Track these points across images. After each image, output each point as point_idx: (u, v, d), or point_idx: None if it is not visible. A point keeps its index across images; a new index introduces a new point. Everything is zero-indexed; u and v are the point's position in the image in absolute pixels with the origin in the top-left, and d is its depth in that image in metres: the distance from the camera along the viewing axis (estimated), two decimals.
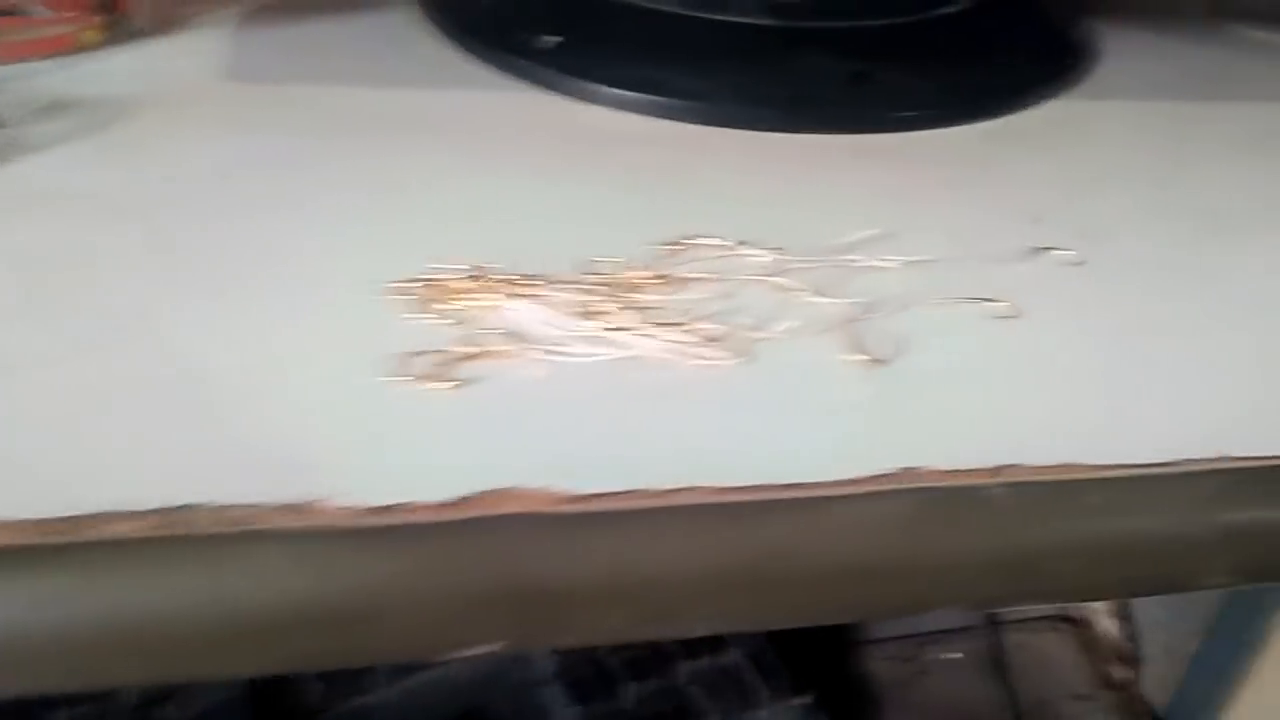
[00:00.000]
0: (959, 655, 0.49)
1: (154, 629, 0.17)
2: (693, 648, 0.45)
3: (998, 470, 0.21)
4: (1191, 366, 0.25)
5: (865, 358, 0.25)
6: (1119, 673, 0.50)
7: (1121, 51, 0.45)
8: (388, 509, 0.19)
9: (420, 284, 0.25)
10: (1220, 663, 0.46)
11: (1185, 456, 0.22)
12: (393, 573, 0.18)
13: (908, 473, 0.21)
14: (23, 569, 0.17)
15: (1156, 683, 0.50)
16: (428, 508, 0.19)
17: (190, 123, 0.33)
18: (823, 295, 0.27)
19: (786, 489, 0.20)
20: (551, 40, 0.38)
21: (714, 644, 0.46)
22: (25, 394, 0.21)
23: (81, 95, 0.34)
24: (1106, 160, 0.35)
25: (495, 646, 0.19)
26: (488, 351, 0.23)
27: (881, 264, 0.28)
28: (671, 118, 0.36)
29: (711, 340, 0.25)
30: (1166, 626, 0.49)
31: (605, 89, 0.37)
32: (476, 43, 0.40)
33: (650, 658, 0.45)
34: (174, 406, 0.21)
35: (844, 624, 0.50)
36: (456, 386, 0.22)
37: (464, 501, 0.19)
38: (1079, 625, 0.52)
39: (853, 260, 0.28)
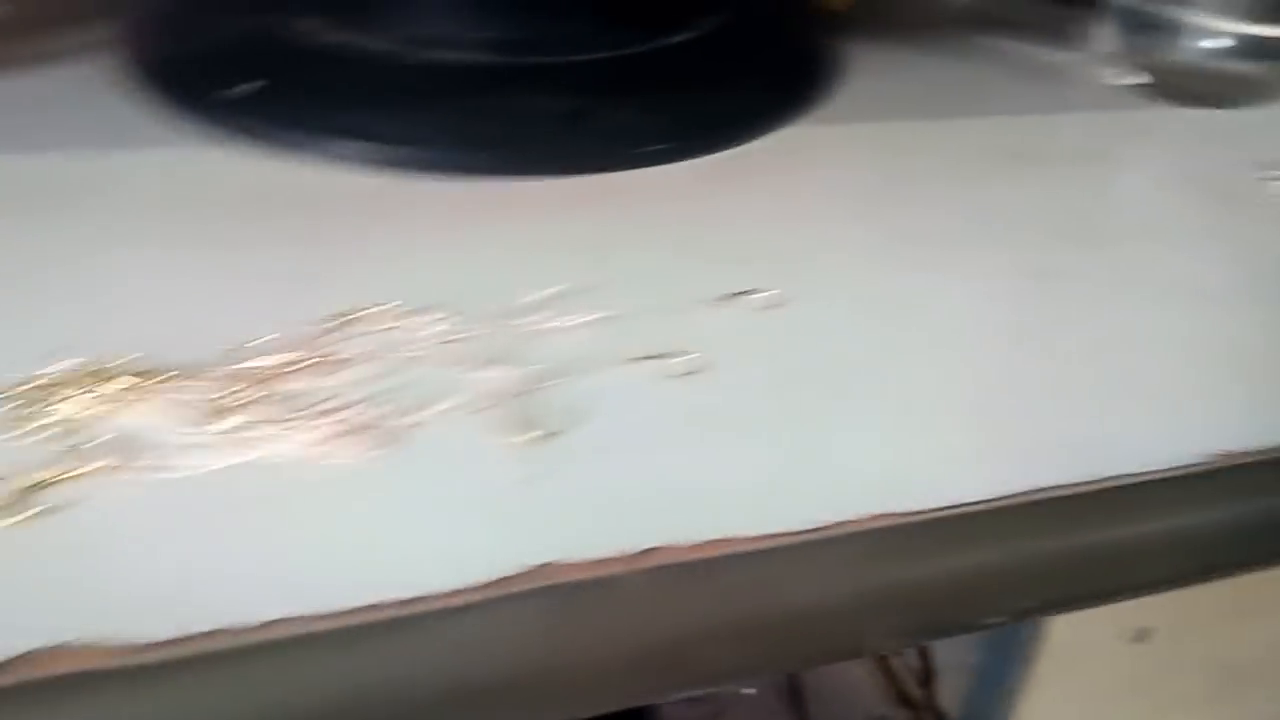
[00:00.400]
0: (753, 690, 0.49)
1: None
2: None
3: (639, 556, 0.20)
4: (863, 415, 0.25)
5: (527, 436, 0.23)
6: (915, 690, 0.50)
7: (867, 71, 0.45)
8: None
9: (26, 388, 0.23)
10: (1001, 671, 0.46)
11: (841, 518, 0.22)
12: None
13: (538, 570, 0.20)
14: None
15: (950, 696, 0.50)
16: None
17: None
18: (495, 365, 0.25)
19: (400, 606, 0.19)
20: (248, 88, 0.36)
21: None
22: None
23: None
24: (821, 191, 0.35)
25: None
26: (80, 471, 0.21)
27: (566, 324, 0.27)
28: (376, 166, 0.34)
29: (356, 430, 0.23)
30: (951, 642, 0.50)
31: (304, 138, 0.35)
32: (172, 94, 0.37)
33: None
34: None
35: None
36: (31, 519, 0.20)
37: (13, 663, 0.17)
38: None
39: (533, 322, 0.27)
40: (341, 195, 0.32)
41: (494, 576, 0.19)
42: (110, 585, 0.19)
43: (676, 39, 0.43)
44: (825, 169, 0.37)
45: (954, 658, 0.47)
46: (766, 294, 0.29)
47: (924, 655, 0.47)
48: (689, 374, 0.26)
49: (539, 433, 0.23)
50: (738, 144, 0.38)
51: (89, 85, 0.38)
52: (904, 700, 0.49)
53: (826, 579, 0.21)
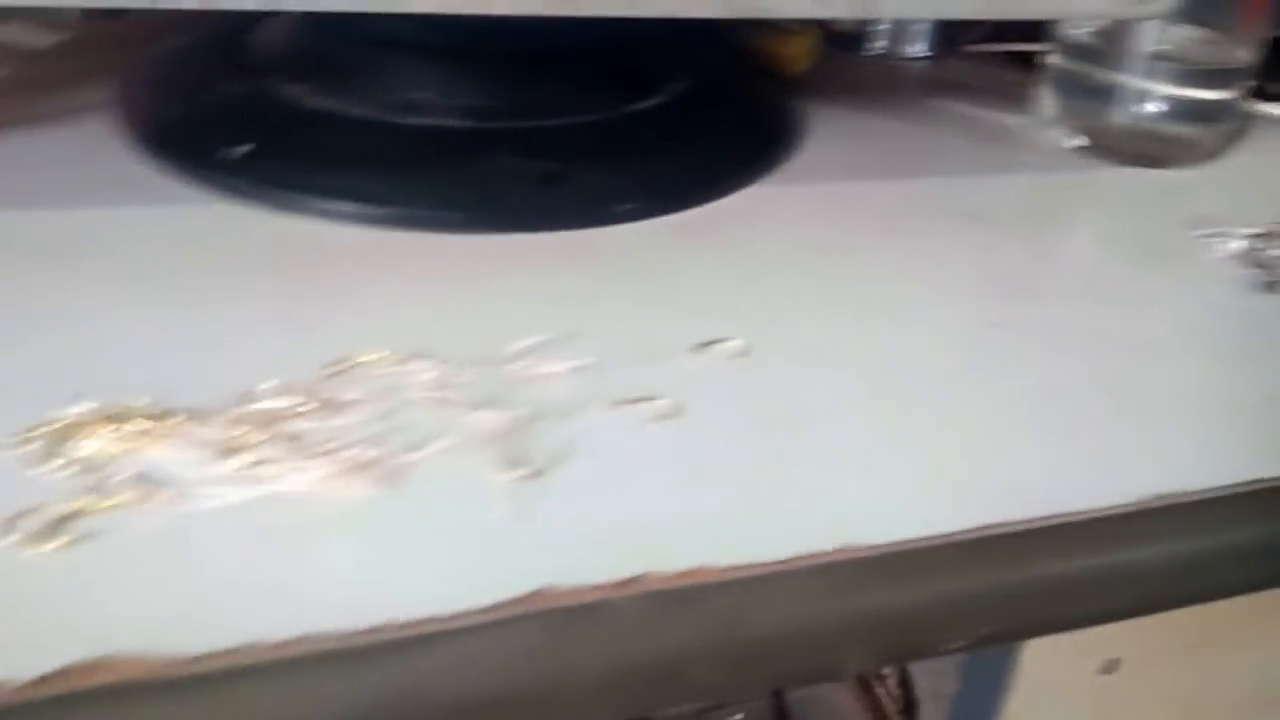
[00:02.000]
0: (750, 715, 0.50)
1: None
2: None
3: (627, 583, 0.22)
4: (827, 455, 0.27)
5: (517, 473, 0.25)
6: (896, 718, 0.52)
7: (826, 134, 0.48)
8: None
9: (51, 429, 0.24)
10: (978, 701, 0.48)
11: (807, 551, 0.24)
12: None
13: (537, 595, 0.21)
14: None
15: None
16: (10, 689, 0.18)
17: None
18: (485, 408, 0.27)
19: (408, 627, 0.20)
20: (240, 149, 0.38)
21: None
22: None
23: None
24: (781, 249, 0.38)
25: None
26: (108, 503, 0.22)
27: (548, 370, 0.29)
28: (361, 224, 0.36)
29: (359, 468, 0.24)
30: (931, 671, 0.52)
31: (294, 196, 0.37)
32: (168, 154, 0.39)
33: None
34: None
35: None
36: (64, 546, 0.21)
37: (56, 676, 0.18)
38: (859, 676, 0.53)
39: (519, 368, 0.29)
40: (332, 250, 0.34)
41: (493, 601, 0.21)
42: (140, 606, 0.20)
43: (644, 105, 0.45)
44: (787, 227, 0.39)
45: (936, 685, 0.49)
46: (734, 343, 0.31)
47: (905, 684, 0.49)
48: (665, 417, 0.28)
49: (528, 470, 0.25)
50: (703, 203, 0.41)
51: (89, 145, 0.40)
52: None
53: (796, 606, 0.23)
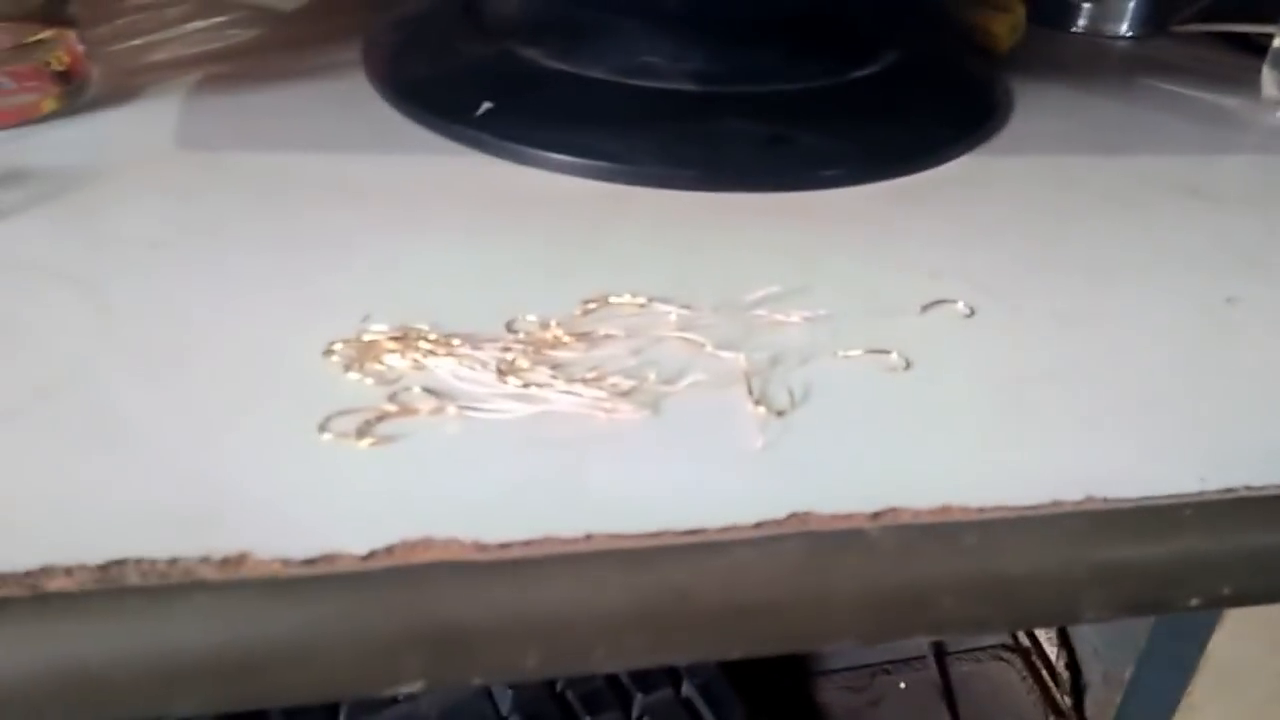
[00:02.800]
0: (910, 685, 0.51)
1: (92, 675, 0.19)
2: (647, 682, 0.47)
3: (878, 515, 0.23)
4: (1067, 413, 0.27)
5: (765, 409, 0.26)
6: (1064, 700, 0.52)
7: (1035, 108, 0.48)
8: (313, 561, 0.20)
9: (348, 344, 0.27)
10: (1156, 687, 0.48)
11: (1055, 499, 0.24)
12: (318, 619, 0.20)
13: (795, 518, 0.23)
14: None
15: (1098, 709, 0.52)
16: (351, 558, 0.21)
17: (139, 190, 0.34)
18: (728, 350, 0.29)
19: (684, 535, 0.22)
20: (484, 106, 0.41)
21: (668, 677, 0.47)
22: None
23: (38, 165, 0.35)
24: (1004, 214, 0.38)
25: (416, 685, 0.20)
26: (409, 409, 0.25)
27: (784, 319, 0.30)
28: (597, 178, 0.38)
29: (622, 395, 0.26)
30: (1103, 655, 0.51)
31: (535, 151, 0.39)
32: (416, 108, 0.42)
33: (606, 691, 0.46)
34: (111, 465, 0.23)
35: (797, 654, 0.52)
36: (378, 443, 0.24)
37: (385, 552, 0.21)
38: (1025, 654, 0.54)
39: (756, 316, 0.30)
40: (571, 201, 0.36)
41: (757, 519, 0.23)
42: (448, 498, 0.23)
43: (861, 73, 0.46)
44: (1006, 195, 0.40)
45: (1107, 669, 0.49)
46: (961, 304, 0.32)
47: (1075, 666, 0.49)
48: (899, 369, 0.29)
49: (777, 407, 0.27)
50: (920, 170, 0.41)
51: (346, 99, 0.43)
52: (1053, 708, 0.51)
53: (1042, 549, 0.24)
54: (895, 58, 0.48)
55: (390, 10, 0.51)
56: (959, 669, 0.53)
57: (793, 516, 0.23)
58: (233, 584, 0.20)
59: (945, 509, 0.24)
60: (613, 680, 0.47)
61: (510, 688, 0.46)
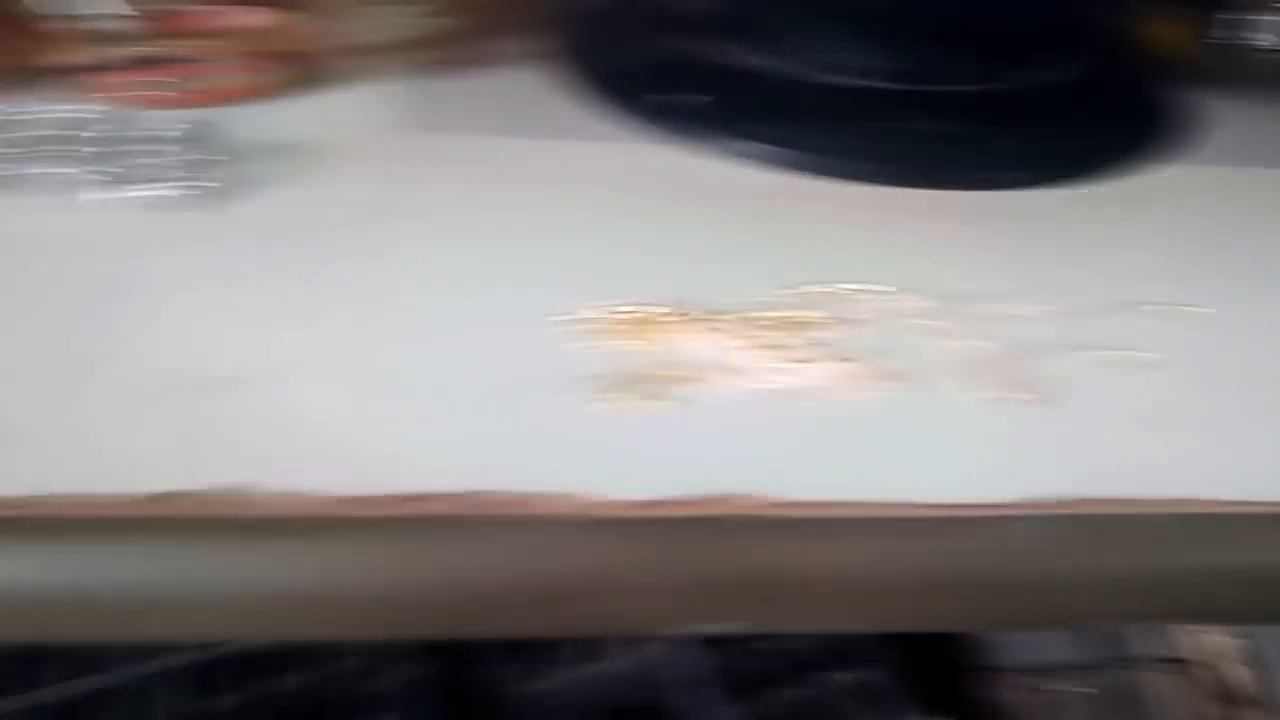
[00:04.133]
0: (1087, 690, 0.52)
1: (461, 588, 0.22)
2: (841, 659, 0.48)
3: (1164, 502, 0.24)
4: None
5: (1015, 396, 0.28)
6: (1241, 716, 0.51)
7: (1219, 121, 0.48)
8: (639, 503, 0.22)
9: (599, 317, 0.29)
10: None
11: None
12: (638, 556, 0.22)
13: (1064, 501, 0.24)
14: (351, 537, 0.21)
15: None
16: (670, 503, 0.22)
17: (376, 166, 0.37)
18: (968, 339, 0.30)
19: (964, 508, 0.23)
20: (682, 99, 0.42)
21: (861, 657, 0.48)
22: (306, 390, 0.25)
23: (281, 139, 0.38)
24: (1200, 221, 0.38)
25: (715, 627, 0.22)
26: (677, 377, 0.27)
27: (1020, 313, 0.31)
28: (790, 171, 0.40)
29: (878, 375, 0.28)
30: None
31: (729, 143, 0.40)
32: (613, 100, 0.44)
33: (801, 666, 0.48)
34: (427, 412, 0.25)
35: (975, 650, 0.53)
36: (655, 406, 0.26)
37: (692, 502, 0.23)
38: (1202, 668, 0.53)
39: (988, 309, 0.31)
40: (767, 191, 0.38)
41: (1030, 499, 0.24)
42: (735, 458, 0.24)
43: (1043, 79, 0.47)
44: (1197, 203, 0.40)
45: None
46: (1172, 307, 0.33)
47: (1257, 684, 0.49)
48: (1140, 365, 0.30)
49: (1027, 396, 0.28)
50: (1100, 178, 0.42)
51: (542, 88, 0.45)
52: None
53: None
54: (1074, 65, 0.48)
55: (571, 4, 0.53)
56: (1134, 677, 0.54)
57: (1062, 499, 0.24)
58: (564, 519, 0.22)
59: (1222, 502, 0.25)
60: (794, 657, 0.48)
61: (701, 655, 0.47)
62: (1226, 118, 0.48)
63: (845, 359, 0.28)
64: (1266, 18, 0.61)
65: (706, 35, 0.46)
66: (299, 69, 0.43)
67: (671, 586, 0.22)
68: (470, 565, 0.21)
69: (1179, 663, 0.54)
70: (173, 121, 0.34)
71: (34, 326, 0.27)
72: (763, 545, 0.22)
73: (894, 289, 0.32)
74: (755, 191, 0.38)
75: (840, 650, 0.49)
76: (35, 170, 0.32)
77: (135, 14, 0.37)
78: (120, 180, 0.33)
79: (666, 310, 0.30)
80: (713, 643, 0.48)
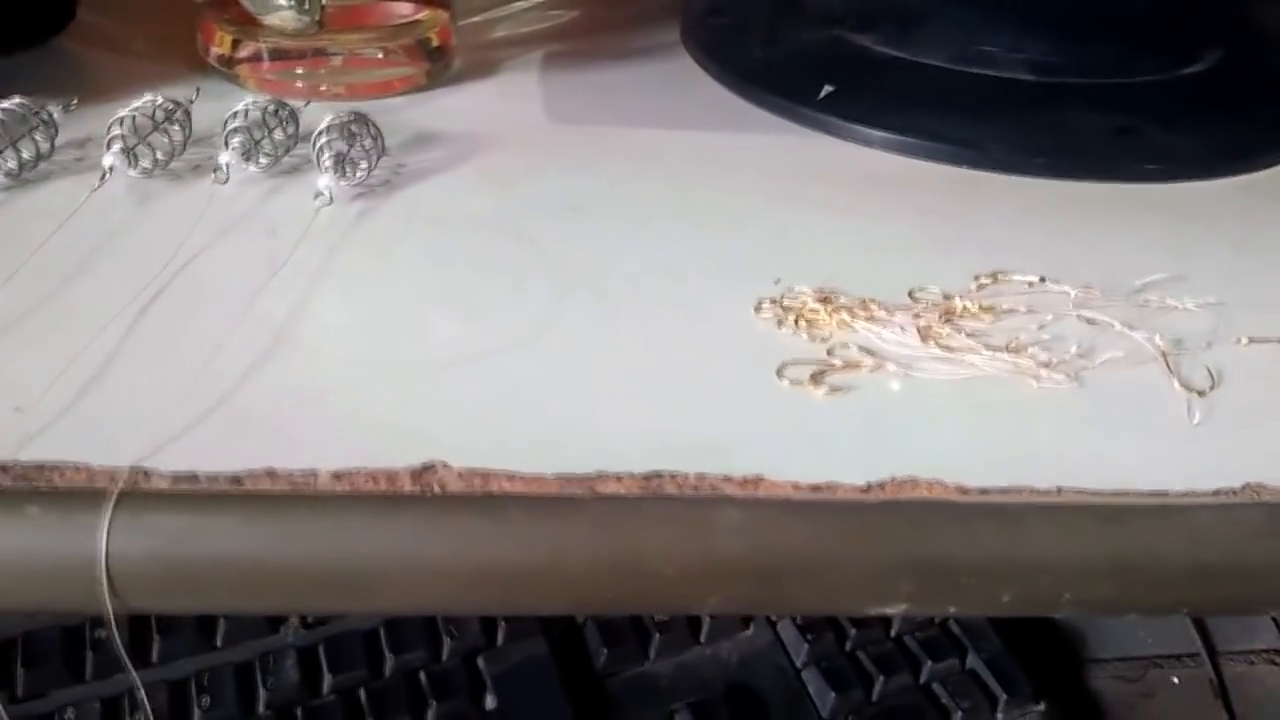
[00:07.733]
0: (1184, 681, 0.51)
1: (639, 568, 0.22)
2: (939, 647, 0.48)
3: None
4: None
5: (1188, 387, 0.27)
6: None
7: None
8: (821, 486, 0.22)
9: (775, 304, 0.29)
10: None
11: None
12: (824, 539, 0.22)
13: (1250, 488, 0.24)
14: (539, 516, 0.22)
15: None
16: (850, 488, 0.23)
17: (531, 157, 0.37)
18: (1134, 330, 0.29)
19: (1148, 496, 0.23)
20: (826, 89, 0.42)
21: (956, 647, 0.49)
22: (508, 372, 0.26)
23: (436, 130, 0.39)
24: None
25: (902, 608, 0.22)
26: (852, 364, 0.27)
27: (1182, 305, 0.31)
28: (944, 163, 0.39)
29: (1044, 364, 0.28)
30: None
31: (882, 134, 0.40)
32: (754, 90, 0.44)
33: (900, 655, 0.48)
34: (617, 395, 0.26)
35: (1071, 640, 0.53)
36: (833, 392, 0.26)
37: (879, 487, 0.23)
38: None
39: (1149, 299, 0.31)
40: (924, 182, 0.38)
41: (1214, 488, 0.24)
42: (916, 444, 0.25)
43: (1195, 68, 0.46)
44: None
45: None
46: None
47: None
48: None
49: (1197, 387, 0.27)
50: (1265, 167, 0.41)
51: (679, 78, 0.45)
52: None
53: None
54: (1221, 56, 0.47)
55: None
56: (1231, 669, 0.53)
57: (1247, 487, 0.24)
58: (752, 501, 0.22)
59: None
60: (900, 644, 0.49)
61: (805, 641, 0.48)
62: None
63: (1016, 349, 0.28)
64: None
65: (845, 26, 0.46)
66: (448, 62, 0.44)
67: (862, 569, 0.22)
68: (656, 546, 0.22)
69: (1270, 654, 0.53)
70: (331, 113, 0.35)
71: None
72: (956, 529, 0.22)
73: (1063, 280, 0.31)
74: (913, 183, 0.38)
75: (939, 638, 0.49)
76: (223, 159, 0.33)
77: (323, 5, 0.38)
78: (284, 171, 0.34)
79: (843, 298, 0.30)
80: (813, 628, 0.48)
